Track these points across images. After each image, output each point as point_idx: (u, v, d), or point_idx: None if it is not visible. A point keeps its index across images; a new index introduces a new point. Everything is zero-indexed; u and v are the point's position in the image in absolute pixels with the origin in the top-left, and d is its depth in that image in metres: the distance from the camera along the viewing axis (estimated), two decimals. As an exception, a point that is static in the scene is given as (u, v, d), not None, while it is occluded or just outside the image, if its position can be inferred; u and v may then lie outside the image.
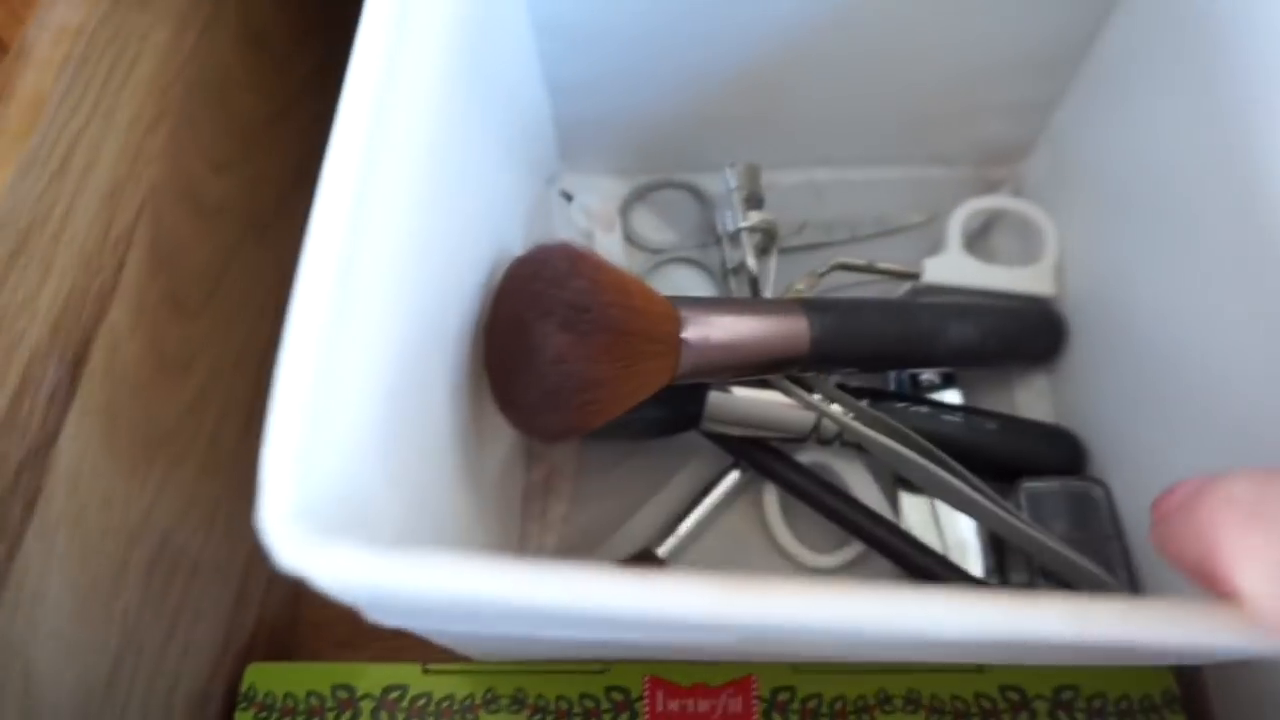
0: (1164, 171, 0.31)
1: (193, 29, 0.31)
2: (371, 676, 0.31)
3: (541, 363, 0.26)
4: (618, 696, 0.30)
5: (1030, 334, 0.36)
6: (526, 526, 0.37)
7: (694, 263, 0.42)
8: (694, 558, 0.36)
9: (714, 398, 0.33)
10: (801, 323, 0.31)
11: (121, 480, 0.28)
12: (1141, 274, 0.32)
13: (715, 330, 0.30)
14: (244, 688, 0.32)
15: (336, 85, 0.20)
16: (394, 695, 0.30)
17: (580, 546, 0.36)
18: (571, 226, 0.43)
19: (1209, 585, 0.15)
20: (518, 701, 0.30)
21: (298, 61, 0.39)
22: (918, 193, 0.42)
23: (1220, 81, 0.27)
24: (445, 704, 0.30)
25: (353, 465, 0.19)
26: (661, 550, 0.35)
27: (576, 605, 0.16)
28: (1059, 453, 0.34)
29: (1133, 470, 0.32)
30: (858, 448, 0.33)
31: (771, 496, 0.36)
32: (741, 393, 0.33)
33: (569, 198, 0.44)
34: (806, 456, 0.35)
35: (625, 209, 0.43)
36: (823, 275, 0.38)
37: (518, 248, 0.34)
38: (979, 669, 0.30)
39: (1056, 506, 0.31)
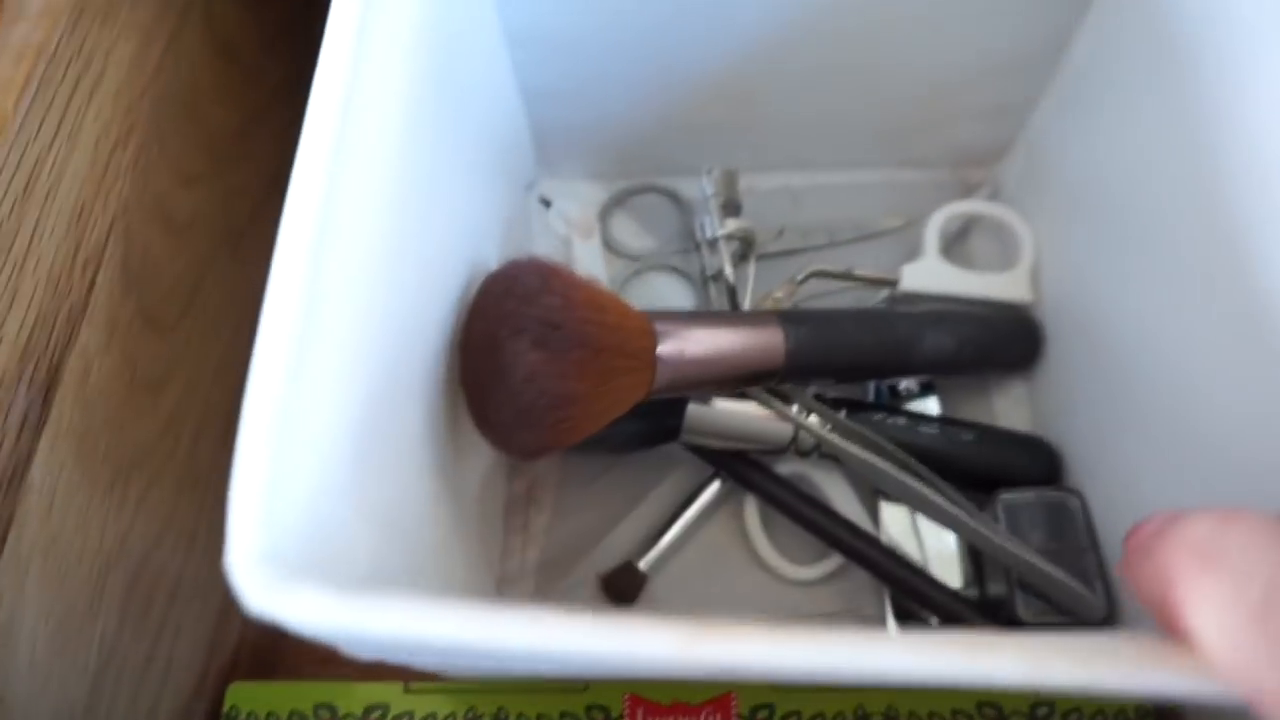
0: (1134, 179, 0.31)
1: (159, 42, 0.31)
2: (354, 696, 0.31)
3: (514, 381, 0.26)
4: (598, 715, 0.30)
5: (1006, 342, 0.36)
6: (508, 539, 0.37)
7: (673, 269, 0.42)
8: (675, 569, 0.36)
9: (693, 410, 0.33)
10: (777, 335, 0.31)
11: (97, 502, 0.28)
12: (1113, 281, 0.32)
13: (690, 344, 0.30)
14: (226, 707, 0.32)
15: (309, 92, 0.20)
16: (376, 714, 0.30)
17: (562, 559, 0.36)
18: (550, 233, 0.43)
19: (1166, 626, 0.15)
20: None
21: (269, 70, 0.39)
22: (895, 196, 0.42)
23: (1189, 92, 0.27)
24: (426, 721, 0.30)
25: (322, 497, 0.19)
26: (643, 563, 0.35)
27: (540, 649, 0.16)
28: (1036, 462, 0.34)
29: (1108, 479, 0.32)
30: (836, 459, 0.33)
31: (752, 508, 0.36)
32: (720, 405, 0.33)
33: (547, 204, 0.43)
34: (787, 467, 0.35)
35: (604, 215, 0.43)
36: (800, 283, 0.38)
37: (494, 260, 0.34)
38: (955, 682, 0.30)
39: (1033, 518, 0.32)
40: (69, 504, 0.26)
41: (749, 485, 0.35)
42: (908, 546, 0.33)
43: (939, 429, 0.34)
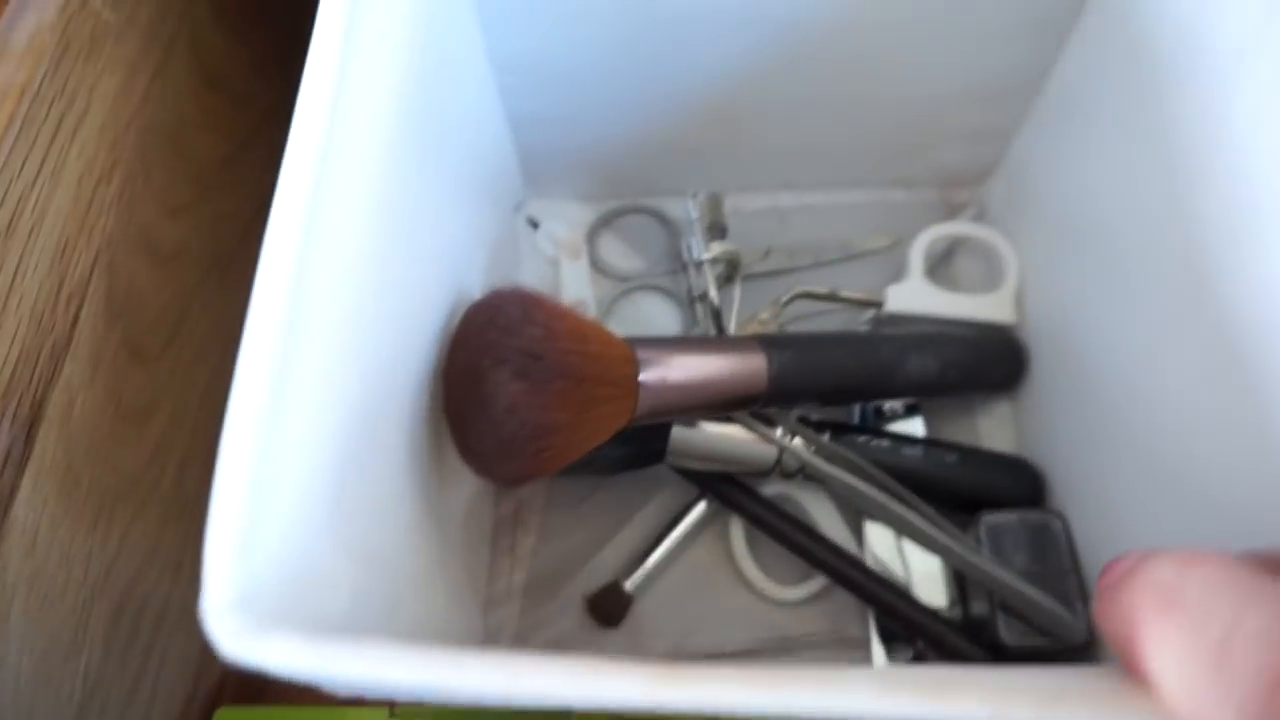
0: (1113, 203, 0.31)
1: (144, 75, 0.31)
2: (339, 720, 0.31)
3: (496, 411, 0.26)
4: (582, 739, 0.30)
5: (990, 364, 0.36)
6: (495, 560, 0.37)
7: (661, 290, 0.42)
8: (661, 590, 0.36)
9: (677, 434, 0.33)
10: (760, 360, 0.31)
11: (81, 535, 0.28)
12: (1093, 304, 0.32)
13: (673, 371, 0.30)
14: (212, 733, 0.32)
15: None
16: (360, 739, 0.31)
17: (548, 580, 0.36)
18: (538, 255, 0.43)
19: (1129, 667, 0.15)
20: (484, 742, 0.30)
21: (259, 95, 0.39)
22: (881, 216, 0.43)
23: (1165, 119, 0.27)
24: (412, 745, 0.30)
25: (301, 531, 0.19)
26: (629, 584, 0.35)
27: (512, 693, 0.16)
28: (1019, 484, 0.35)
29: (1090, 501, 0.32)
30: (821, 480, 0.33)
31: (738, 529, 0.36)
32: (705, 428, 0.33)
33: (535, 225, 0.44)
34: (772, 488, 0.35)
35: (592, 236, 0.43)
36: (786, 304, 0.38)
37: (479, 286, 0.34)
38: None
39: (1017, 539, 0.32)
40: (52, 538, 0.26)
41: (734, 507, 0.35)
42: (892, 565, 0.34)
43: (923, 451, 0.34)
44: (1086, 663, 0.30)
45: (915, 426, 0.36)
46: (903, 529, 0.32)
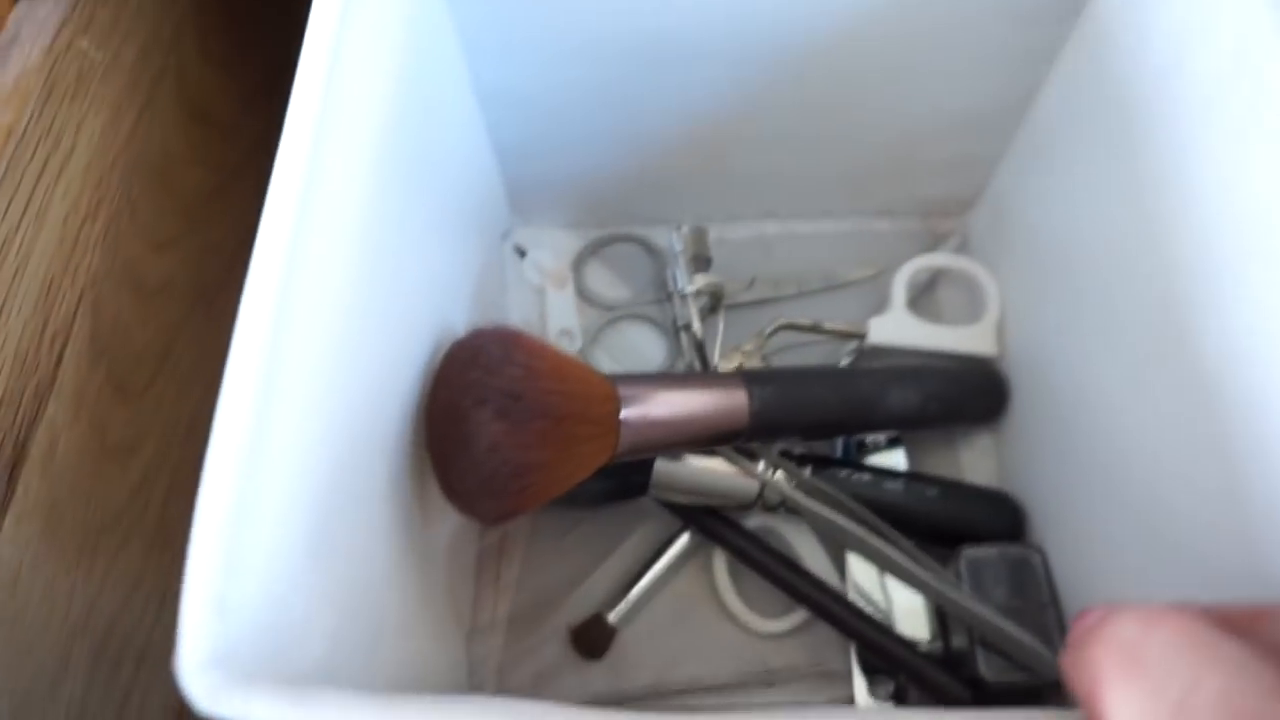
0: (1089, 238, 0.31)
1: (130, 111, 0.31)
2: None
3: (477, 451, 0.26)
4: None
5: (971, 396, 0.37)
6: (480, 592, 0.37)
7: (647, 319, 0.42)
8: (644, 622, 0.36)
9: (660, 467, 0.33)
10: (741, 396, 0.31)
11: (64, 573, 0.28)
12: (1072, 337, 0.32)
13: (654, 408, 0.30)
14: (194, 768, 0.32)
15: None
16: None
17: (532, 611, 0.36)
18: (524, 283, 0.43)
19: (1092, 723, 0.16)
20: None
21: (245, 127, 0.39)
22: (865, 245, 0.43)
23: (1139, 157, 0.28)
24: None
25: (278, 583, 0.19)
26: (612, 615, 0.35)
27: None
28: (1000, 518, 0.35)
29: (1068, 535, 0.32)
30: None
31: (721, 562, 0.36)
32: (688, 462, 0.33)
33: (522, 254, 0.44)
34: (755, 521, 0.36)
35: (578, 265, 0.44)
36: (769, 335, 0.38)
37: (464, 320, 0.34)
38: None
39: (997, 574, 0.32)
40: (35, 578, 0.26)
41: (717, 539, 0.35)
42: (875, 597, 0.34)
43: (904, 485, 0.35)
44: (1064, 699, 0.31)
45: (897, 459, 0.37)
46: (883, 564, 0.32)
